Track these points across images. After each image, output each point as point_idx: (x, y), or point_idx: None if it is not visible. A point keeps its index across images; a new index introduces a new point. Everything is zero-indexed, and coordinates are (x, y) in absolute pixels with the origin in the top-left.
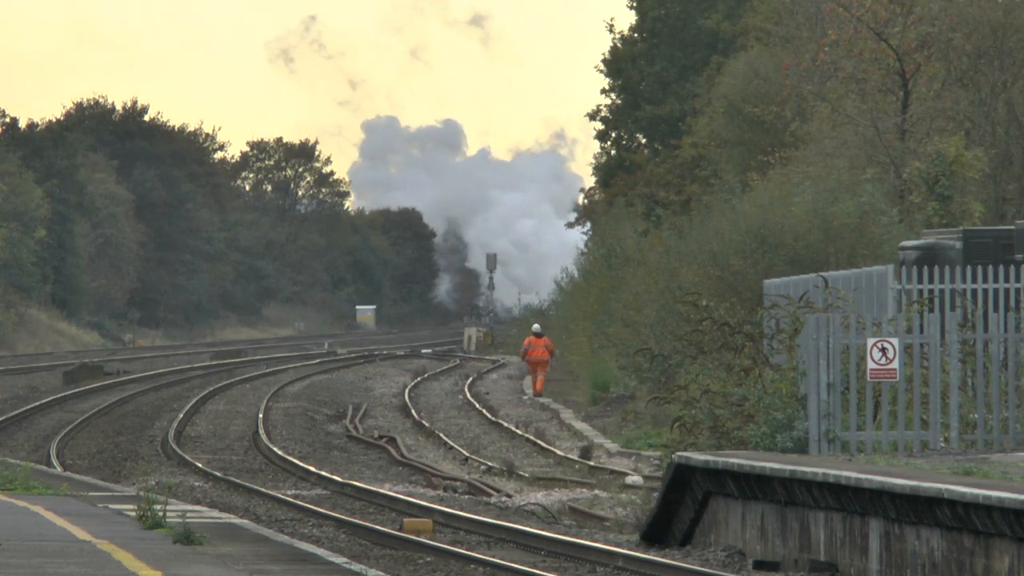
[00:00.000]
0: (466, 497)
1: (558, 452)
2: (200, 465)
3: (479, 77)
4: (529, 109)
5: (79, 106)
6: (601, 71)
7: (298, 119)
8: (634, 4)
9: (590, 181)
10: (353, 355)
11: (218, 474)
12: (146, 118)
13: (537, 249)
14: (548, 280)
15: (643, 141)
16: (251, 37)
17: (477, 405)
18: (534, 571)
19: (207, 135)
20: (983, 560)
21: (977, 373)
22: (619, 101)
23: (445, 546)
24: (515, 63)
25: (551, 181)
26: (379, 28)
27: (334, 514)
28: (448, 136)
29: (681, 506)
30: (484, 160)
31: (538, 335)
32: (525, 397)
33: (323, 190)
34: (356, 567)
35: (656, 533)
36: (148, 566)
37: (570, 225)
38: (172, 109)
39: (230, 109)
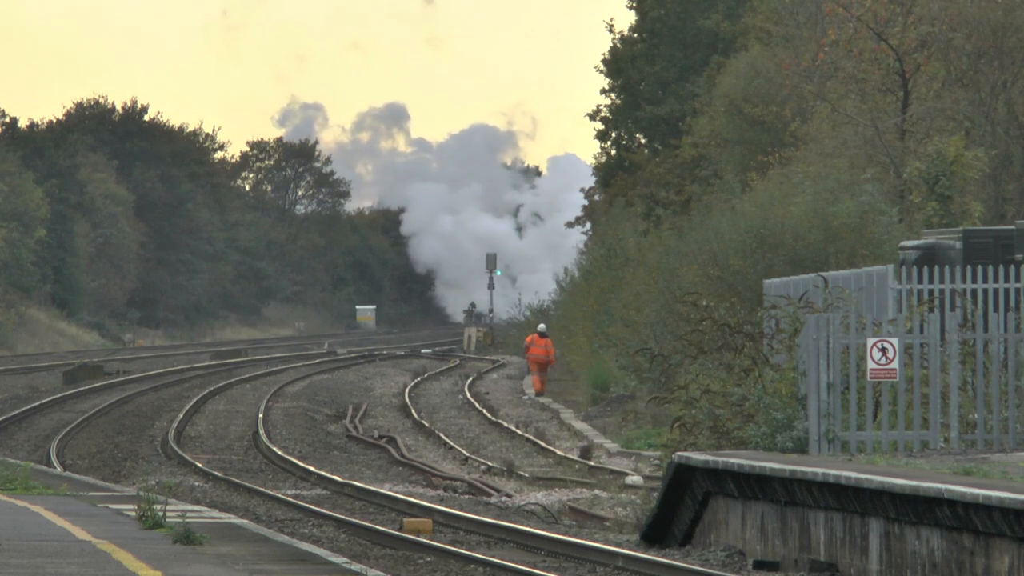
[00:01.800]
0: (466, 497)
1: (558, 452)
2: (200, 465)
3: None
4: (488, 94)
5: (79, 106)
6: (601, 71)
7: (244, 100)
8: (634, 4)
9: (538, 158)
10: (353, 355)
11: (218, 474)
12: (146, 118)
13: (460, 247)
14: (474, 286)
15: (643, 141)
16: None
17: (477, 405)
18: (534, 571)
19: (207, 135)
20: (983, 560)
21: (977, 373)
22: (619, 101)
23: (445, 546)
24: (476, 48)
25: (485, 165)
26: (326, 12)
27: (334, 514)
28: (389, 119)
29: (681, 506)
30: (421, 146)
31: (542, 335)
32: (525, 397)
33: (323, 190)
34: (356, 567)
35: (656, 533)
36: (148, 566)
37: (570, 224)
38: (172, 108)
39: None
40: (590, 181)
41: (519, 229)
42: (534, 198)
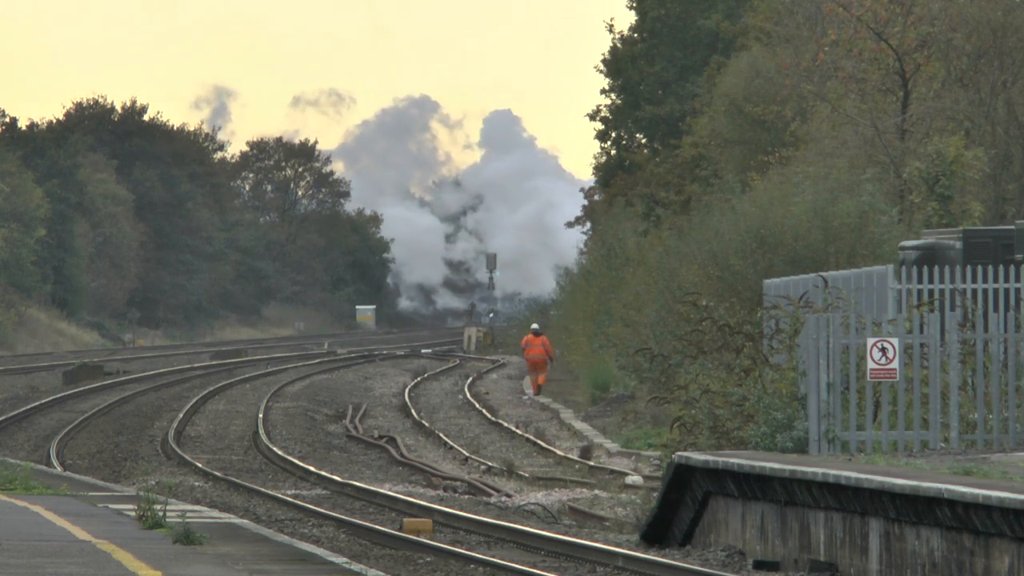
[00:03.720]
0: (466, 497)
1: (558, 452)
2: (200, 465)
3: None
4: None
5: (79, 106)
6: (601, 71)
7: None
8: (634, 4)
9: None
10: (353, 355)
11: (218, 474)
12: (146, 118)
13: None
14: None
15: (643, 141)
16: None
17: (477, 405)
18: (534, 571)
19: (207, 135)
20: (983, 560)
21: (977, 373)
22: (619, 101)
23: (445, 546)
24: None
25: (413, 151)
26: None
27: (334, 514)
28: (328, 104)
29: (681, 506)
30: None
31: (536, 333)
32: (525, 397)
33: (323, 190)
34: (356, 567)
35: (656, 533)
36: (148, 566)
37: (570, 225)
38: (171, 107)
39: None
40: (528, 142)
41: (452, 227)
42: (454, 198)
